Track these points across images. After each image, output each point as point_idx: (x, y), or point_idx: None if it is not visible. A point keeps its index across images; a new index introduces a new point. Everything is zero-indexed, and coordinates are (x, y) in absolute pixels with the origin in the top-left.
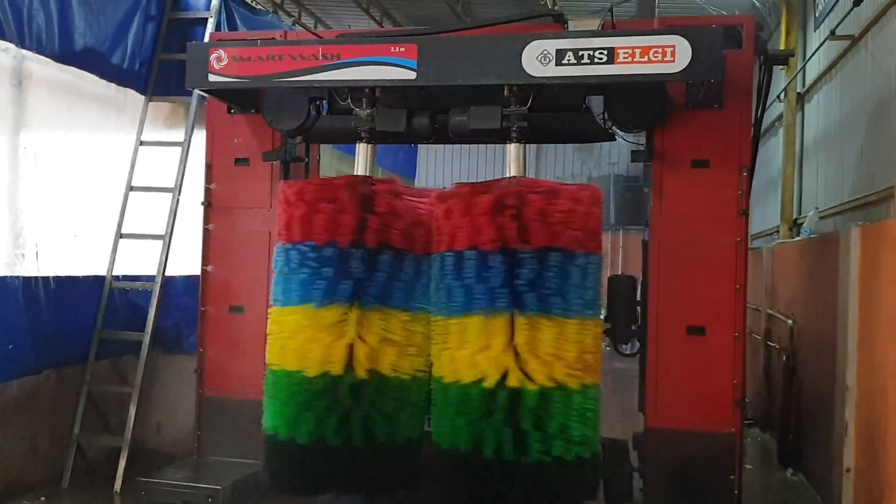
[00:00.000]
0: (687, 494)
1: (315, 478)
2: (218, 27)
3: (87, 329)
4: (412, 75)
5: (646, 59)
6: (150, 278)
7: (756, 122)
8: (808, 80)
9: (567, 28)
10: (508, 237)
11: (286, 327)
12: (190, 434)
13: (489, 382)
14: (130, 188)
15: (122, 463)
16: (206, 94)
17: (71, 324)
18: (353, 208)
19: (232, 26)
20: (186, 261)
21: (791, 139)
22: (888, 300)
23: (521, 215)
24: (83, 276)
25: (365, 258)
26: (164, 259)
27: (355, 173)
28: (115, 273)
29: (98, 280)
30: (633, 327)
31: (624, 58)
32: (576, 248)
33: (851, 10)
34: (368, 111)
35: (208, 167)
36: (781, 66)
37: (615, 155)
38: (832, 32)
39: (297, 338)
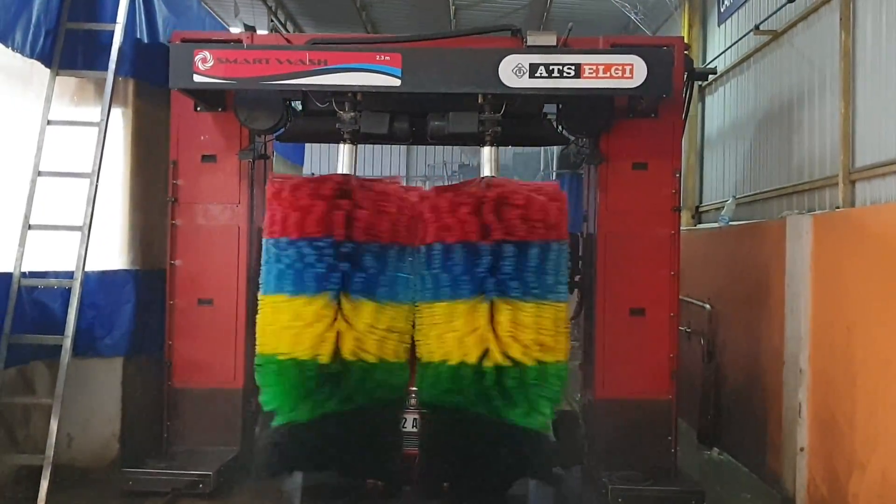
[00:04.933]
0: (632, 454)
1: (302, 457)
2: None
3: None
4: (397, 82)
5: (608, 74)
6: (62, 274)
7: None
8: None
9: (525, 42)
10: (490, 230)
11: (277, 315)
12: (107, 446)
13: (474, 360)
14: (38, 173)
15: (45, 484)
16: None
17: None
18: (340, 204)
19: None
20: (100, 255)
21: (693, 130)
22: (851, 287)
23: (501, 211)
24: None
25: (351, 251)
26: (83, 253)
27: (339, 172)
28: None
29: (4, 278)
30: (576, 278)
31: (589, 73)
32: (547, 238)
33: (784, 5)
34: (352, 114)
35: (174, 163)
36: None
37: None
38: (757, 27)
39: (289, 325)
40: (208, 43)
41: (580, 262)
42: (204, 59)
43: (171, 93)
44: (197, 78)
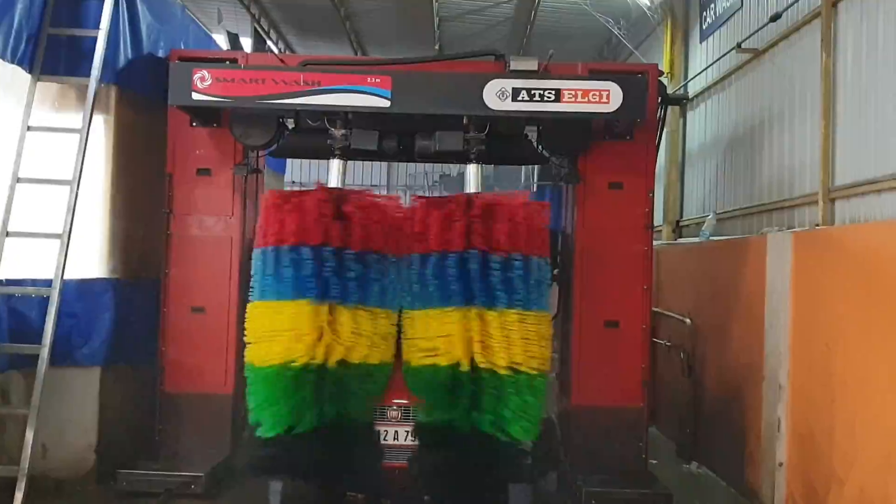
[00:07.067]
0: (606, 458)
1: (288, 464)
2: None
3: None
4: (387, 104)
5: (586, 99)
6: (41, 282)
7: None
8: (692, 90)
9: (508, 66)
10: (476, 242)
11: (264, 322)
12: (83, 457)
13: (464, 366)
14: (18, 179)
15: (20, 496)
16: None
17: None
18: (330, 215)
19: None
20: (79, 263)
21: (675, 145)
22: (830, 305)
23: (487, 225)
24: None
25: (338, 259)
26: (62, 261)
27: (329, 185)
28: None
29: None
30: (555, 272)
31: (568, 98)
32: (530, 252)
33: (765, 24)
34: (343, 131)
35: (169, 176)
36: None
37: None
38: (739, 45)
39: (274, 332)
40: (206, 62)
41: (559, 258)
42: (202, 78)
43: (166, 107)
44: (195, 96)
